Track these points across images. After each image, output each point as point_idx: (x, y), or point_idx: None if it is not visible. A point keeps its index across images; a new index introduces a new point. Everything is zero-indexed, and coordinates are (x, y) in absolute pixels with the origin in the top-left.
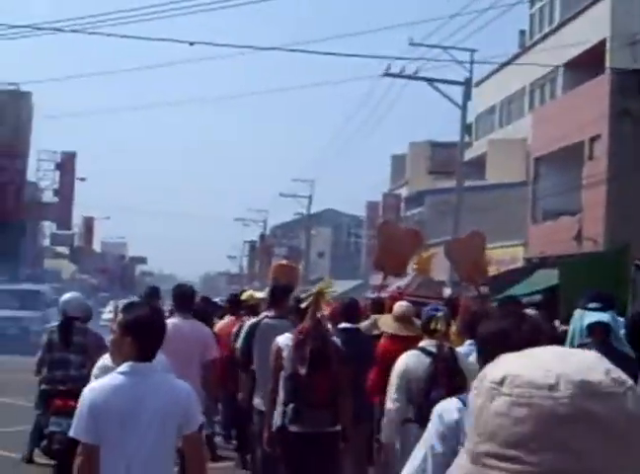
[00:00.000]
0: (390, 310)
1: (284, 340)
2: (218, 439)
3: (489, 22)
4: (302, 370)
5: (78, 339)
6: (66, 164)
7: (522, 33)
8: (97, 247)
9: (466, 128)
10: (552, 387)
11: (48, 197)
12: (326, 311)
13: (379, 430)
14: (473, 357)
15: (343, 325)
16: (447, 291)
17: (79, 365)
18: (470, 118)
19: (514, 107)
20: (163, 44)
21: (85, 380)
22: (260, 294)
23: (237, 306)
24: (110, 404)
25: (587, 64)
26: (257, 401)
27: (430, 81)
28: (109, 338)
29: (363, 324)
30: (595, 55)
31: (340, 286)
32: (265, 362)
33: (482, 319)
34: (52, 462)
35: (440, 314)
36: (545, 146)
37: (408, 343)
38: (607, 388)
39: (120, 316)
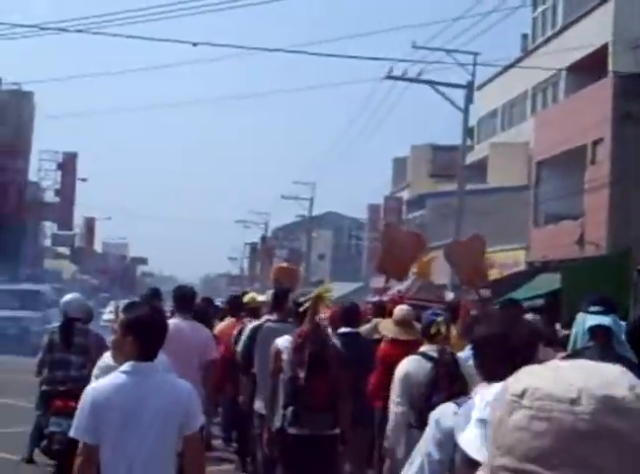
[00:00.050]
0: (391, 314)
1: (284, 342)
2: (218, 442)
3: (492, 25)
4: (301, 374)
5: (79, 340)
6: (68, 164)
7: (525, 36)
8: (98, 247)
9: (468, 132)
10: (574, 401)
11: (50, 197)
12: (325, 315)
13: (380, 434)
14: None
15: (343, 329)
16: (450, 296)
17: (80, 366)
18: (472, 122)
19: (516, 110)
20: (166, 45)
21: (85, 381)
22: (262, 298)
23: (237, 308)
24: (111, 403)
25: (589, 68)
26: (258, 405)
27: (432, 84)
28: (109, 338)
29: (365, 328)
30: (597, 59)
31: (340, 289)
32: (266, 366)
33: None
34: (52, 462)
35: (439, 319)
36: (547, 150)
37: (408, 347)
38: (631, 404)
39: (122, 316)
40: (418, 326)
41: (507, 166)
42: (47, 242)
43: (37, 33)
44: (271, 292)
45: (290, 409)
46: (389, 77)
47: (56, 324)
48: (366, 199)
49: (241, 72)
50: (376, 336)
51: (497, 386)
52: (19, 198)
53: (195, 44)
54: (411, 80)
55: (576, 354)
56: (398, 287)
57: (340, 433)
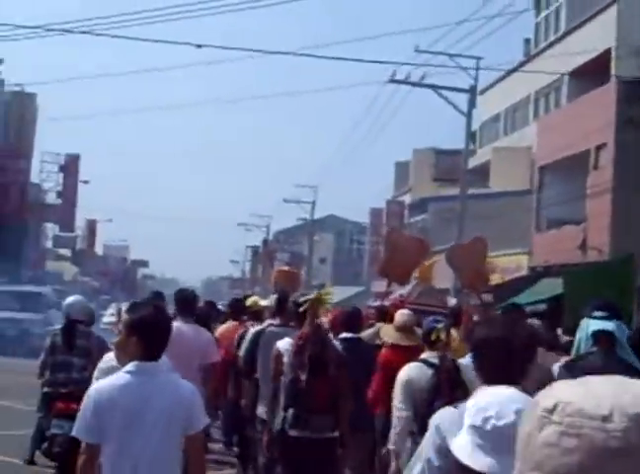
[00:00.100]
0: (393, 318)
1: (285, 345)
2: (219, 446)
3: (494, 30)
4: (302, 376)
5: (81, 342)
6: (70, 166)
7: (528, 41)
8: (99, 250)
9: (470, 136)
10: (605, 418)
11: (52, 198)
12: (326, 319)
13: (382, 440)
14: None
15: (344, 334)
16: (452, 301)
17: (81, 368)
18: (475, 126)
19: (518, 115)
20: (169, 47)
21: (87, 383)
22: (264, 302)
23: (239, 311)
24: (115, 403)
25: (592, 73)
26: (260, 409)
27: (435, 88)
28: (110, 340)
29: (367, 333)
30: (600, 64)
31: (341, 293)
32: (269, 371)
33: None
34: (54, 464)
35: (440, 326)
36: (550, 155)
37: (409, 353)
38: None
39: (126, 316)
40: (419, 331)
41: (509, 170)
42: (49, 244)
43: (39, 34)
44: (274, 297)
45: (291, 411)
46: (392, 81)
47: (59, 326)
48: (368, 203)
49: (244, 75)
50: (379, 341)
51: (492, 390)
52: (20, 200)
53: (198, 46)
54: (414, 84)
55: (579, 358)
56: (400, 292)
57: (339, 435)
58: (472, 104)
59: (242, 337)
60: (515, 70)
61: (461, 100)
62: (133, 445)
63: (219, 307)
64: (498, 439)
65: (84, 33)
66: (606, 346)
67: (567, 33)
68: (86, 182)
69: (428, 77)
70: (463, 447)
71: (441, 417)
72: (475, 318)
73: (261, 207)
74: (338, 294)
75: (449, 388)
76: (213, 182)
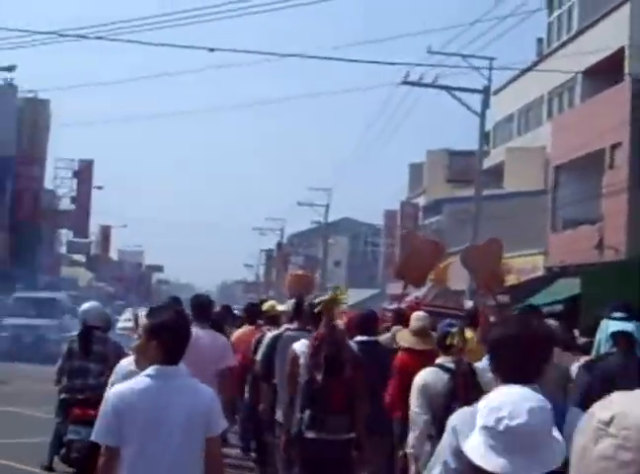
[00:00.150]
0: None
1: (301, 347)
2: (236, 452)
3: (507, 30)
4: (318, 376)
5: (98, 348)
6: (83, 172)
7: (540, 41)
8: (114, 255)
9: (484, 137)
10: None
11: (65, 204)
12: (342, 321)
13: (401, 444)
14: None
15: (360, 337)
16: (469, 304)
17: (98, 374)
18: (488, 127)
19: (532, 115)
20: (182, 52)
21: (104, 389)
22: (281, 307)
23: (255, 316)
24: (135, 406)
25: (605, 72)
26: (279, 414)
27: (448, 89)
28: (128, 345)
29: (385, 336)
30: (613, 63)
31: (356, 296)
32: (286, 375)
33: None
34: (72, 470)
35: (454, 330)
36: (565, 154)
37: (425, 357)
38: None
39: (146, 320)
40: (435, 335)
41: (523, 171)
42: (63, 250)
43: (54, 39)
44: (291, 302)
45: (308, 412)
46: (405, 83)
47: (75, 332)
48: (382, 205)
49: (256, 79)
50: (396, 345)
51: (505, 389)
52: (34, 206)
53: (211, 50)
54: (427, 85)
55: (599, 359)
56: (415, 294)
57: (356, 437)
58: (486, 104)
59: (259, 341)
60: (528, 70)
61: (475, 101)
62: (153, 449)
63: (235, 311)
64: (511, 440)
65: (98, 38)
66: (626, 347)
67: (580, 32)
68: (100, 187)
69: (441, 78)
70: (476, 448)
71: (457, 418)
72: (492, 319)
73: (275, 211)
74: (353, 297)
75: (466, 392)
76: (227, 186)
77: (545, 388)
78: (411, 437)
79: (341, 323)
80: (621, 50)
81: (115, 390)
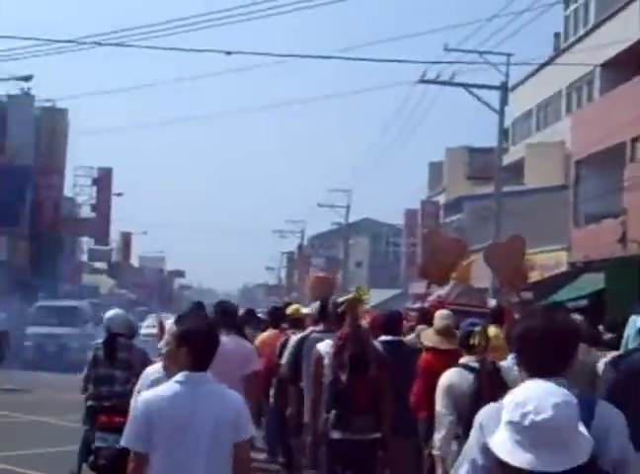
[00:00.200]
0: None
1: (325, 347)
2: (263, 456)
3: (523, 25)
4: (343, 376)
5: (123, 355)
6: (103, 179)
7: (557, 35)
8: (135, 262)
9: (503, 133)
10: None
11: (86, 212)
12: (365, 322)
13: (427, 445)
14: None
15: (384, 337)
16: (492, 302)
17: (124, 381)
18: (507, 123)
19: (550, 110)
20: (199, 56)
21: (130, 396)
22: (306, 310)
23: (279, 319)
24: (164, 412)
25: (624, 64)
26: (307, 416)
27: (466, 86)
28: (152, 351)
29: (410, 337)
30: (632, 55)
31: (379, 296)
32: None
33: None
34: None
35: (477, 329)
36: (586, 149)
37: (450, 356)
38: None
39: (174, 327)
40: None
41: (543, 166)
42: (84, 257)
43: (70, 48)
44: (315, 304)
45: (333, 412)
46: (423, 81)
47: (100, 340)
48: (403, 205)
49: (273, 81)
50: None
51: (530, 384)
52: (55, 215)
53: (228, 54)
54: (444, 83)
55: (627, 354)
56: (438, 293)
57: (381, 437)
58: (504, 101)
59: (284, 345)
60: (547, 64)
61: (492, 98)
62: (181, 455)
63: (259, 315)
64: (536, 435)
65: (116, 45)
66: None
67: (597, 25)
68: (120, 194)
69: (458, 75)
70: (502, 444)
71: (484, 414)
72: (516, 316)
73: (295, 213)
74: (375, 297)
75: (491, 391)
76: (247, 189)
77: (572, 383)
78: (437, 438)
79: (365, 323)
80: (639, 43)
81: (144, 396)
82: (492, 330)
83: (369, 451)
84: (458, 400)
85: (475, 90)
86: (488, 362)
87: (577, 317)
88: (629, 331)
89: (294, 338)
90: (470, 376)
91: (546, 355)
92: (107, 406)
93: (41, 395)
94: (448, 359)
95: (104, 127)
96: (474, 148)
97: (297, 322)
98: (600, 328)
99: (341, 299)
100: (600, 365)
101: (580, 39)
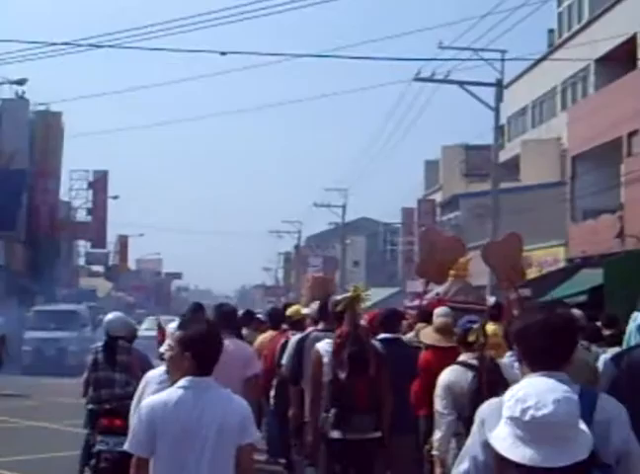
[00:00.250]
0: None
1: (324, 346)
2: (264, 457)
3: (516, 23)
4: (342, 375)
5: (122, 358)
6: (98, 183)
7: (551, 32)
8: (132, 264)
9: (498, 130)
10: None
11: (82, 216)
12: (364, 322)
13: (427, 442)
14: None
15: (382, 335)
16: (491, 299)
17: (124, 384)
18: (502, 120)
19: (545, 106)
20: (193, 57)
21: (130, 398)
22: (305, 310)
23: (278, 320)
24: (169, 419)
25: (618, 60)
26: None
27: (461, 84)
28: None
29: (409, 335)
30: (626, 50)
31: (376, 295)
32: None
33: None
34: None
35: (475, 326)
36: (582, 144)
37: (450, 353)
38: None
39: (178, 332)
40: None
41: (539, 163)
42: (81, 261)
43: (60, 51)
44: (314, 305)
45: (333, 411)
46: (418, 79)
47: (100, 343)
48: (399, 204)
49: (268, 81)
50: (417, 343)
51: (531, 380)
52: (51, 219)
53: (223, 54)
54: (439, 81)
55: (629, 350)
56: (437, 290)
57: (381, 436)
58: (499, 97)
59: (284, 346)
60: (543, 59)
61: (487, 95)
62: (187, 460)
63: (259, 316)
64: (537, 430)
65: (111, 47)
66: None
67: (591, 20)
68: (115, 197)
69: (453, 73)
70: (501, 439)
71: (485, 409)
72: (515, 313)
73: (291, 213)
74: (373, 296)
75: (491, 388)
76: (243, 190)
77: (572, 379)
78: (435, 439)
79: (363, 322)
80: (634, 37)
81: (148, 402)
82: (490, 327)
83: (369, 451)
84: (458, 398)
85: (470, 87)
86: (487, 360)
87: (576, 311)
88: (631, 326)
89: (295, 337)
90: (469, 374)
91: (547, 348)
92: (107, 409)
93: (41, 400)
94: (448, 357)
95: (98, 130)
96: (470, 146)
97: (298, 323)
98: (598, 323)
99: (339, 298)
100: (601, 362)
101: (574, 36)
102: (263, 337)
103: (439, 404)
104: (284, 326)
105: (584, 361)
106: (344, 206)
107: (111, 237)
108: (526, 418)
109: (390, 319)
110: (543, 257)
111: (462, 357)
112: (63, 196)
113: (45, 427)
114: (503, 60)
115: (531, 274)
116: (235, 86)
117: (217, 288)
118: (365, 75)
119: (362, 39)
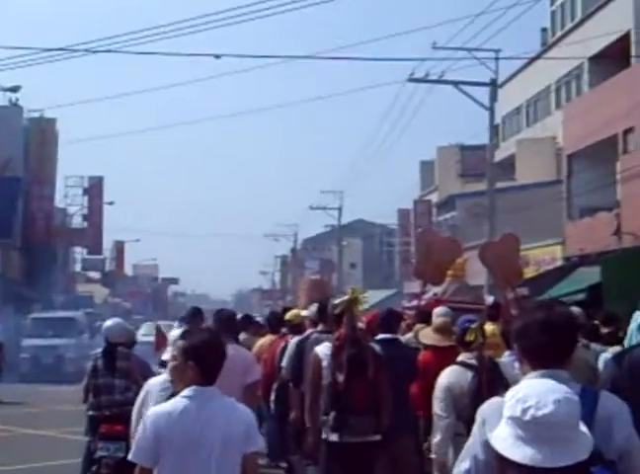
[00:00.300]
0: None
1: (323, 349)
2: (264, 461)
3: (510, 22)
4: (340, 377)
5: (122, 364)
6: (94, 188)
7: (544, 30)
8: (128, 270)
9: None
10: None
11: (78, 222)
12: (362, 324)
13: (426, 441)
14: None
15: (381, 336)
16: (489, 299)
17: (124, 390)
18: (497, 120)
19: (540, 105)
20: (188, 61)
21: (131, 404)
22: (304, 312)
23: (277, 324)
24: (174, 429)
25: (612, 57)
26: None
27: (455, 84)
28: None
29: (408, 336)
30: (620, 48)
31: (374, 296)
32: None
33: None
34: None
35: (473, 326)
36: (577, 143)
37: (448, 354)
38: None
39: (181, 342)
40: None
41: (534, 161)
42: (78, 267)
43: (53, 57)
44: (313, 307)
45: (332, 414)
46: (412, 80)
47: (99, 350)
48: (395, 205)
49: (263, 85)
50: (416, 344)
51: (531, 381)
52: (47, 225)
53: (217, 57)
54: (434, 81)
55: (630, 350)
56: (434, 290)
57: (380, 437)
58: (494, 97)
59: (284, 350)
60: (537, 58)
61: (482, 94)
62: (192, 470)
63: (258, 320)
64: (537, 430)
65: (106, 51)
66: None
67: (584, 18)
68: (111, 203)
69: (447, 73)
70: (502, 439)
71: (486, 409)
72: (513, 312)
73: (287, 216)
74: (370, 298)
75: (491, 388)
76: (238, 194)
77: (573, 377)
78: (434, 443)
79: (361, 324)
80: (627, 35)
81: (152, 412)
82: (488, 327)
83: (369, 453)
84: (458, 399)
85: (464, 87)
86: (486, 359)
87: (575, 309)
88: (633, 325)
89: (294, 340)
90: (469, 374)
91: (547, 346)
92: (107, 415)
93: (38, 408)
94: (447, 357)
95: (93, 135)
96: (465, 146)
97: (297, 327)
98: (596, 322)
99: (337, 301)
100: (601, 361)
101: (567, 34)
102: (262, 341)
103: (437, 406)
104: (284, 330)
105: (584, 361)
106: (340, 209)
107: (107, 243)
108: (527, 418)
109: (388, 320)
110: (540, 256)
111: (461, 357)
112: (59, 202)
113: (43, 434)
114: (497, 59)
115: (529, 273)
116: (230, 89)
117: (214, 293)
118: (360, 76)
119: (360, 40)
